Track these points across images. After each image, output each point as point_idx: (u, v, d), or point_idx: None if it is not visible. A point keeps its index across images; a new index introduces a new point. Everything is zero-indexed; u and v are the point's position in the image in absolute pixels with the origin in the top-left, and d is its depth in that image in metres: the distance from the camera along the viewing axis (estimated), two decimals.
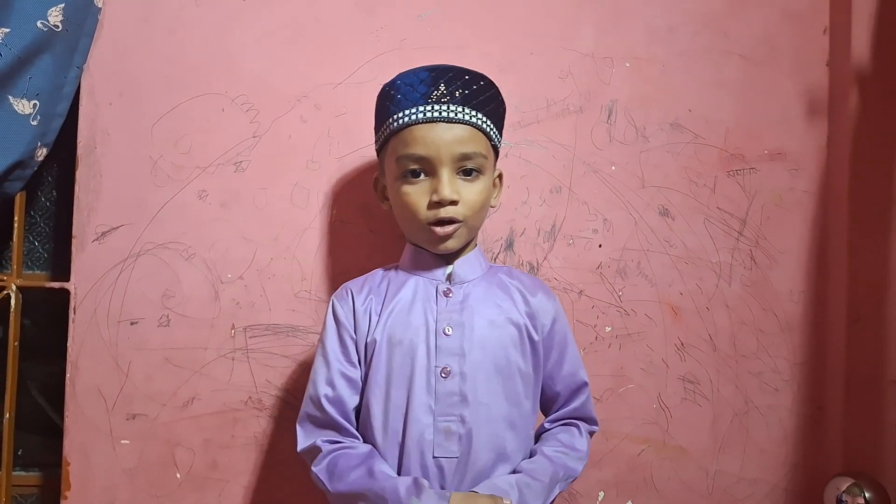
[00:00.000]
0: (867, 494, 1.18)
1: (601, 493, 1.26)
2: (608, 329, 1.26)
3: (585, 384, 1.05)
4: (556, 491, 0.97)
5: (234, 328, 1.21)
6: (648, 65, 1.29)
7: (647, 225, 1.28)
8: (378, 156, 1.06)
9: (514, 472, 0.96)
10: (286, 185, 1.23)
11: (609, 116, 1.28)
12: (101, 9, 1.22)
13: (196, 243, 1.21)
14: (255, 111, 1.23)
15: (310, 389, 0.99)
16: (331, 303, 1.03)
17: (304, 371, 1.21)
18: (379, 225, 1.24)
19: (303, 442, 0.97)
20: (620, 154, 1.28)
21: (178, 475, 1.20)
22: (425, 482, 0.90)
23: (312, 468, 0.95)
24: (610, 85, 1.28)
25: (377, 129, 1.04)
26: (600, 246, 1.27)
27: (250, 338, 1.21)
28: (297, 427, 0.99)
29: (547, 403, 1.06)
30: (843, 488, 1.19)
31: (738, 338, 1.29)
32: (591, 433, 1.06)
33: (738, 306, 1.29)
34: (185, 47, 1.23)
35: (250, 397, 1.21)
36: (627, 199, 1.28)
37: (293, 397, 1.21)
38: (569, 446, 1.00)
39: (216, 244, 1.21)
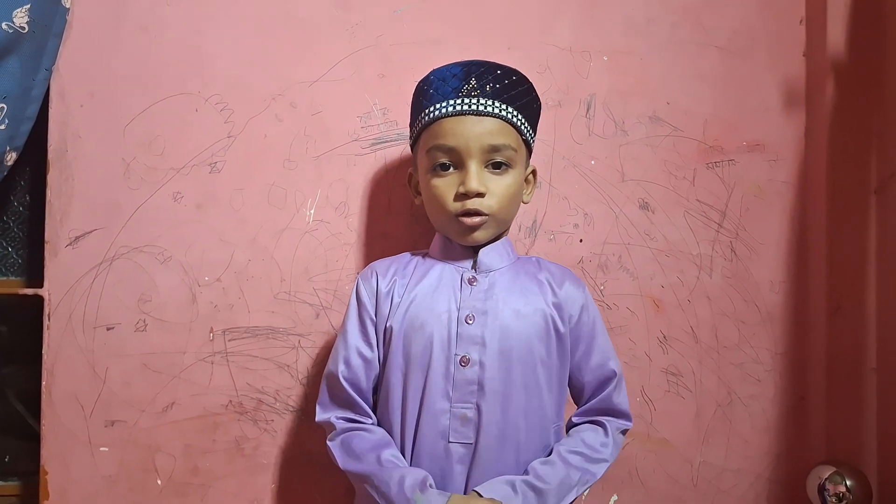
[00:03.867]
0: (849, 482, 1.18)
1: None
2: None
3: (615, 374, 1.03)
4: (571, 496, 0.95)
5: (213, 331, 1.19)
6: (626, 58, 1.29)
7: (628, 218, 1.28)
8: (412, 151, 1.07)
9: (525, 472, 0.95)
10: (263, 185, 1.21)
11: (588, 110, 1.28)
12: (69, 9, 1.19)
13: (172, 246, 1.19)
14: (230, 111, 1.21)
15: (329, 366, 1.02)
16: (356, 281, 1.04)
17: (285, 373, 1.20)
18: (357, 224, 1.22)
19: (320, 415, 1.01)
20: (600, 148, 1.28)
21: (159, 481, 1.18)
22: (430, 478, 0.91)
23: (328, 441, 0.99)
24: (588, 79, 1.28)
25: (412, 124, 1.05)
26: (581, 241, 1.27)
27: (229, 341, 1.19)
28: (317, 401, 1.02)
29: (576, 395, 1.05)
30: (826, 476, 1.20)
31: (720, 329, 1.29)
32: (623, 431, 1.03)
33: (719, 298, 1.29)
34: (156, 47, 1.21)
35: (231, 401, 1.19)
36: (608, 193, 1.28)
37: (274, 400, 1.20)
38: (590, 446, 0.98)
39: (192, 246, 1.20)
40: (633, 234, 1.28)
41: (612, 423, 1.01)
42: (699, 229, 1.29)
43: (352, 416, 0.99)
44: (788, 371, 1.31)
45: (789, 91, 1.32)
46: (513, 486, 0.91)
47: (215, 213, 1.20)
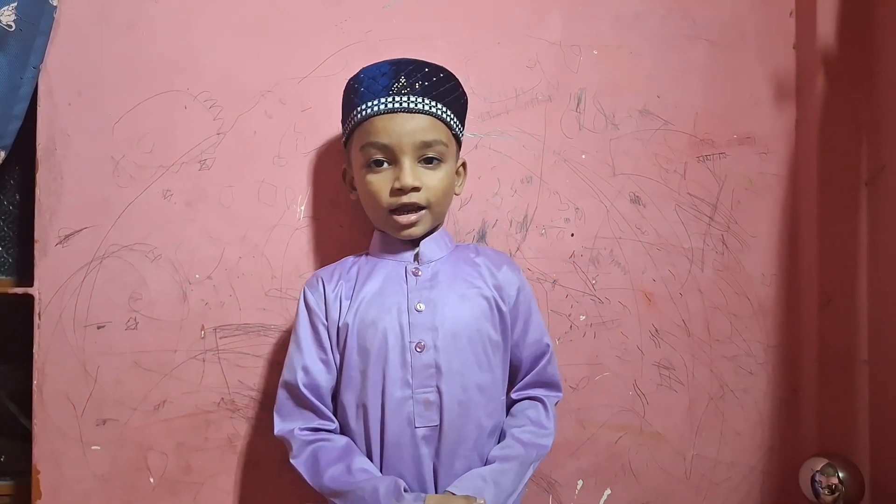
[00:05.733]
0: (841, 474, 1.19)
1: (580, 482, 1.26)
2: (582, 318, 1.26)
3: (548, 347, 1.09)
4: (531, 471, 1.01)
5: (204, 329, 1.19)
6: (616, 52, 1.29)
7: (619, 212, 1.28)
8: (345, 147, 1.09)
9: (486, 462, 1.00)
10: (252, 182, 1.21)
11: (578, 104, 1.28)
12: (56, 7, 1.18)
13: (162, 244, 1.19)
14: (219, 108, 1.21)
15: (285, 375, 1.03)
16: (302, 291, 1.06)
17: (276, 370, 1.20)
18: (348, 220, 1.22)
19: (280, 426, 1.01)
20: (590, 142, 1.28)
21: (152, 480, 1.18)
22: (403, 483, 0.93)
23: (292, 459, 0.99)
24: (578, 73, 1.28)
25: (343, 121, 1.08)
26: (573, 235, 1.27)
27: (221, 338, 1.19)
28: (274, 412, 1.02)
29: (513, 370, 1.09)
30: (818, 468, 1.21)
31: (712, 322, 1.29)
32: (556, 402, 1.10)
33: (710, 291, 1.29)
34: (144, 44, 1.20)
35: (223, 398, 1.19)
36: (598, 187, 1.28)
37: (266, 397, 1.20)
38: (537, 423, 1.04)
39: (182, 244, 1.19)
40: (624, 228, 1.28)
41: (549, 397, 1.08)
42: (690, 223, 1.29)
43: (315, 422, 1.00)
44: (781, 364, 1.31)
45: (779, 84, 1.32)
46: (482, 477, 0.96)
47: (205, 210, 1.20)
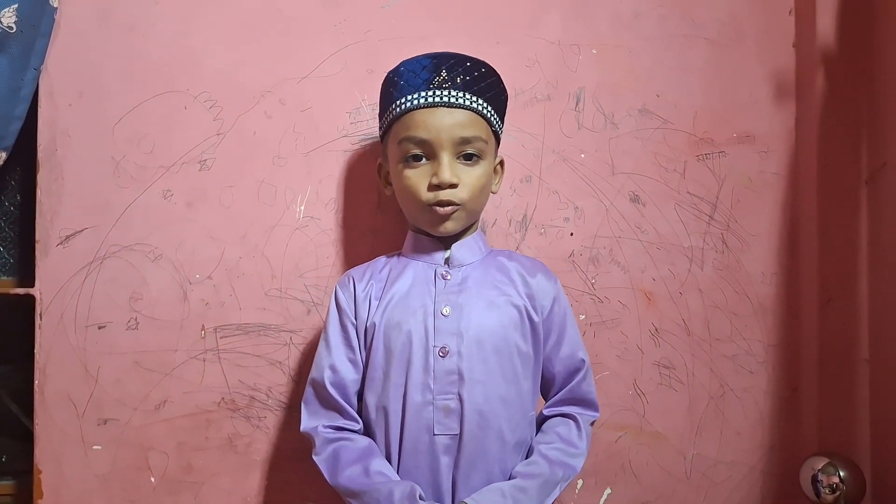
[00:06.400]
0: (842, 473, 1.18)
1: (580, 482, 1.26)
2: (582, 317, 1.26)
3: (584, 363, 1.05)
4: (556, 492, 0.97)
5: (205, 329, 1.19)
6: (615, 51, 1.29)
7: (619, 212, 1.28)
8: (382, 141, 1.08)
9: (511, 477, 0.97)
10: (252, 182, 1.21)
11: (577, 104, 1.28)
12: (56, 8, 1.19)
13: (162, 244, 1.19)
14: (219, 108, 1.21)
15: (313, 373, 1.02)
16: (334, 290, 1.06)
17: (276, 370, 1.20)
18: (347, 220, 1.22)
19: (306, 423, 1.01)
20: (590, 141, 1.28)
21: (153, 479, 1.18)
22: (419, 490, 0.91)
23: (314, 456, 0.99)
24: (577, 72, 1.28)
25: (381, 115, 1.06)
26: (572, 234, 1.27)
27: (221, 338, 1.19)
28: (302, 406, 1.02)
29: (546, 385, 1.06)
30: (819, 468, 1.20)
31: (712, 322, 1.29)
32: (592, 422, 1.05)
33: (710, 290, 1.29)
34: (144, 45, 1.21)
35: (223, 398, 1.19)
36: (598, 186, 1.28)
37: (266, 397, 1.20)
38: (567, 441, 1.00)
39: (183, 244, 1.20)
40: (623, 228, 1.28)
41: (582, 416, 1.03)
42: (690, 222, 1.29)
43: (339, 422, 0.99)
44: (781, 363, 1.31)
45: (779, 82, 1.32)
46: (501, 492, 0.92)
47: (205, 210, 1.20)
